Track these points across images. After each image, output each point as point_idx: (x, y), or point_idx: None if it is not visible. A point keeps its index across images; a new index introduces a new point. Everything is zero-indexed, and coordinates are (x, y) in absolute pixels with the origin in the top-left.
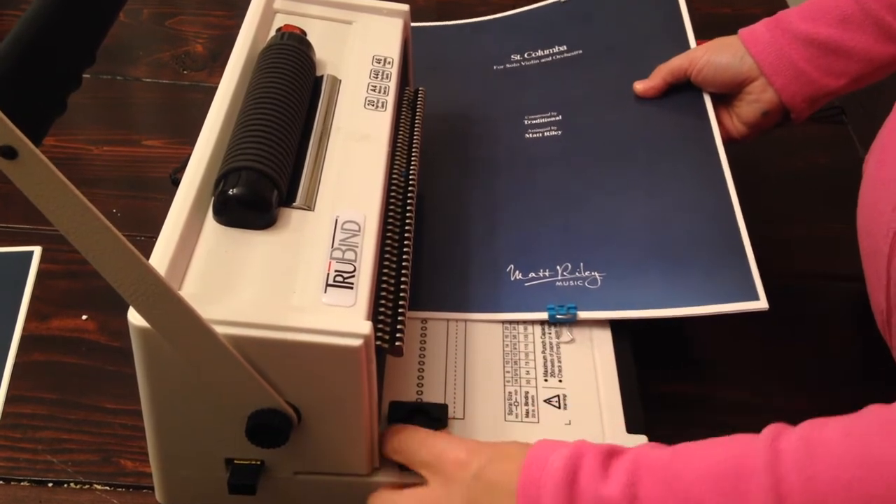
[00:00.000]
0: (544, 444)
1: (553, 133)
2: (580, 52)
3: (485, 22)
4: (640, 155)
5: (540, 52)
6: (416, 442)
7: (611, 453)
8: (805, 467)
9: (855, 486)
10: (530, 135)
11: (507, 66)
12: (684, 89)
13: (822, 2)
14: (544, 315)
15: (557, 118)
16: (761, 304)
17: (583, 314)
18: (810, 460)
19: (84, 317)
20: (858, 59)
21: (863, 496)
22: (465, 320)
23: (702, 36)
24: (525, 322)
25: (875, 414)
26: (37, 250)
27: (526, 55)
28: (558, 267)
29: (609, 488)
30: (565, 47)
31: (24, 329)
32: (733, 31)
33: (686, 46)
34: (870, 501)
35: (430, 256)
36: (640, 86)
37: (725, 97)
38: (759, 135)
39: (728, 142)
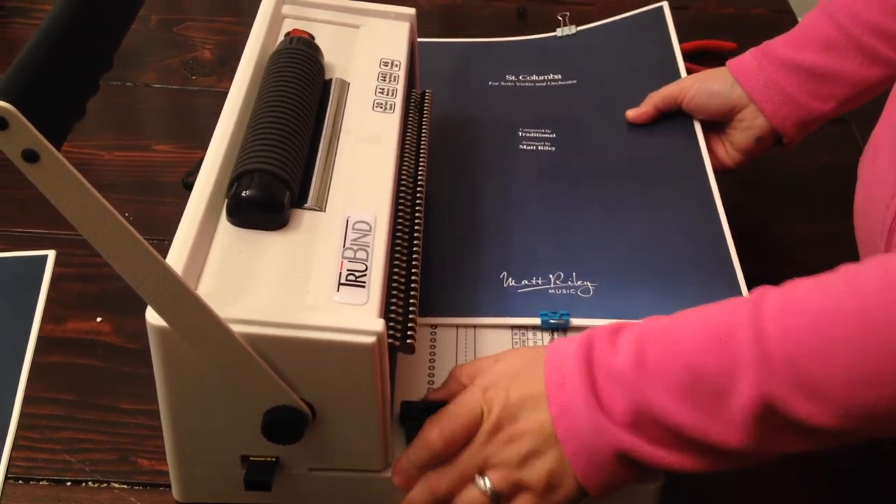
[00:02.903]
0: (557, 342)
1: (547, 148)
2: (574, 82)
3: (481, 44)
4: (631, 176)
5: (535, 77)
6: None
7: (617, 330)
8: (781, 318)
9: (822, 331)
10: (524, 146)
11: (502, 83)
12: (675, 116)
13: (807, 30)
14: (537, 321)
15: (551, 135)
16: None
17: (576, 321)
18: (785, 312)
19: (99, 319)
20: (845, 83)
21: (829, 339)
22: (475, 326)
23: (705, 36)
24: (521, 327)
25: (843, 269)
26: (51, 254)
27: (521, 77)
28: (551, 275)
29: (619, 360)
30: (560, 76)
31: (41, 331)
32: (736, 33)
33: (678, 79)
34: (834, 343)
35: (432, 261)
36: (632, 112)
37: (717, 126)
38: (753, 160)
39: (721, 171)
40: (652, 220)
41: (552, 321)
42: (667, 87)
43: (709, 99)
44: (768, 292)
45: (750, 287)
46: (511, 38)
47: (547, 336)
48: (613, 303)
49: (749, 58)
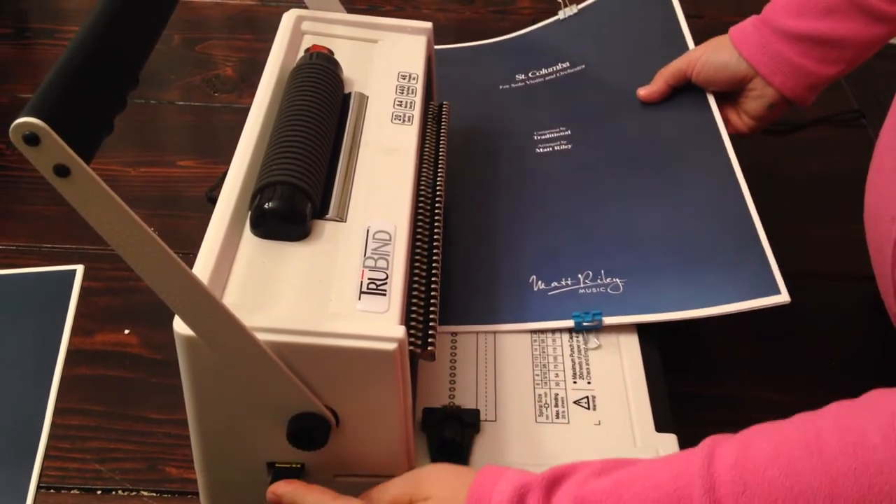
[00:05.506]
0: (490, 469)
1: (563, 147)
2: (583, 66)
3: (487, 45)
4: (650, 161)
5: (544, 70)
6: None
7: (554, 482)
8: (739, 494)
9: None
10: (541, 150)
11: (513, 85)
12: (687, 91)
13: None
14: (570, 323)
15: (566, 133)
16: (783, 297)
17: (608, 320)
18: (745, 488)
19: (126, 331)
20: (850, 45)
21: None
22: (495, 332)
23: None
24: (552, 330)
25: (801, 433)
26: (79, 269)
27: (530, 74)
28: (580, 275)
29: None
30: (568, 63)
31: (70, 344)
32: None
33: (685, 51)
34: None
35: (452, 270)
36: (642, 91)
37: (730, 94)
38: (768, 124)
39: (737, 135)
40: (674, 204)
41: (585, 322)
42: (675, 62)
43: (717, 72)
44: (717, 453)
45: (783, 273)
46: (515, 34)
47: (566, 335)
48: (644, 299)
49: (751, 28)
